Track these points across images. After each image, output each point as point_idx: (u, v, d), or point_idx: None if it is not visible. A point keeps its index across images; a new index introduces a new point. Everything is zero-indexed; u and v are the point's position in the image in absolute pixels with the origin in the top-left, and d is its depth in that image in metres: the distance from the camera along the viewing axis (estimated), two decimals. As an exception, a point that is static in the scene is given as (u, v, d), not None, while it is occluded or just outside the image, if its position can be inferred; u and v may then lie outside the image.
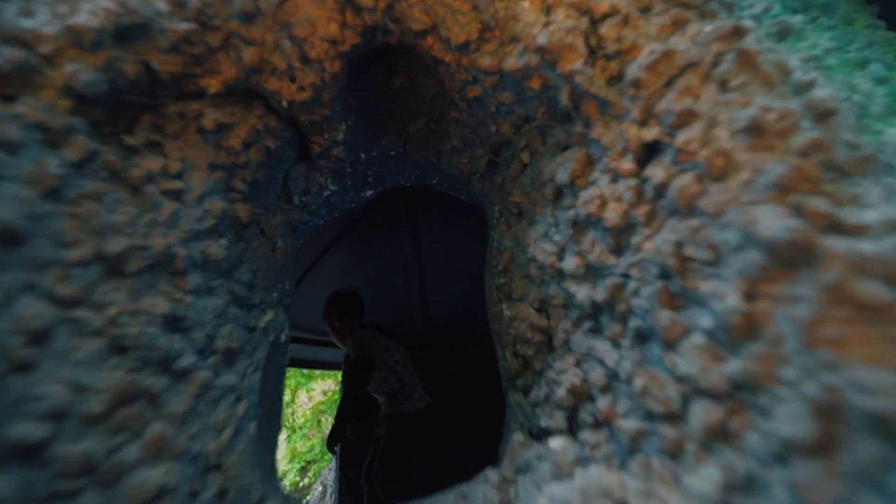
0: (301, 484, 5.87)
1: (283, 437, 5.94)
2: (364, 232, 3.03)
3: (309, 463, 5.78)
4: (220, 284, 0.62)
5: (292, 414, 5.85)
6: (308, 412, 5.85)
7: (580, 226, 0.52)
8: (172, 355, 0.54)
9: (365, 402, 2.23)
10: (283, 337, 0.72)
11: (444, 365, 3.80)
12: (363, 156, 0.82)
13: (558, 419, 0.52)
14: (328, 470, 3.89)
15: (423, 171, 0.89)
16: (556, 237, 0.55)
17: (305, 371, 4.83)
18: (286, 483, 5.67)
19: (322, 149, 0.74)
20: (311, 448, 5.73)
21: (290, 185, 0.78)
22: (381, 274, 3.41)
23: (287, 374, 4.86)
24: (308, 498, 5.00)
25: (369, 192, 0.89)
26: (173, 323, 0.55)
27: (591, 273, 0.50)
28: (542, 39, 0.56)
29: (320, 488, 4.29)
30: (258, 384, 0.63)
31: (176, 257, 0.55)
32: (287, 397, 5.91)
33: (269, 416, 0.68)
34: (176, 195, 0.57)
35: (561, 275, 0.54)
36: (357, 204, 0.89)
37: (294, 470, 5.86)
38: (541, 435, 0.55)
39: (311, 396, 5.96)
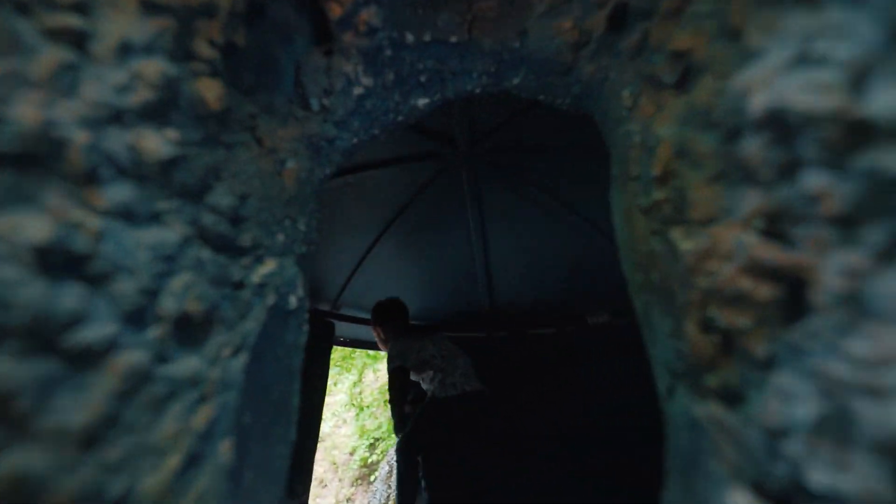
0: (370, 460, 5.90)
1: (352, 414, 5.96)
2: (426, 209, 2.79)
3: (377, 440, 5.76)
4: (177, 208, 0.36)
5: (360, 393, 5.84)
6: (375, 391, 5.81)
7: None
8: (60, 321, 0.29)
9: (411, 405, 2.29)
10: (293, 301, 0.46)
11: (508, 347, 3.51)
12: (410, 37, 0.54)
13: (864, 470, 0.21)
14: (394, 451, 3.76)
15: (500, 64, 0.59)
16: (842, 52, 0.23)
17: (371, 352, 4.72)
18: (356, 458, 5.71)
19: (344, 9, 0.46)
20: (379, 426, 5.69)
21: (306, 81, 0.51)
22: (444, 253, 3.15)
23: (354, 356, 4.82)
24: (376, 474, 4.97)
25: (423, 101, 0.60)
26: (66, 264, 0.30)
27: None
28: None
29: (387, 468, 4.19)
30: (242, 374, 0.38)
31: (69, 148, 0.30)
32: (355, 377, 5.89)
33: (270, 426, 0.42)
34: (72, 39, 0.31)
35: (860, 135, 0.22)
36: (406, 116, 0.60)
37: (363, 446, 5.86)
38: (802, 501, 0.25)
39: (378, 377, 5.91)
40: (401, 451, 2.13)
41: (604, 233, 2.75)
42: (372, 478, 5.27)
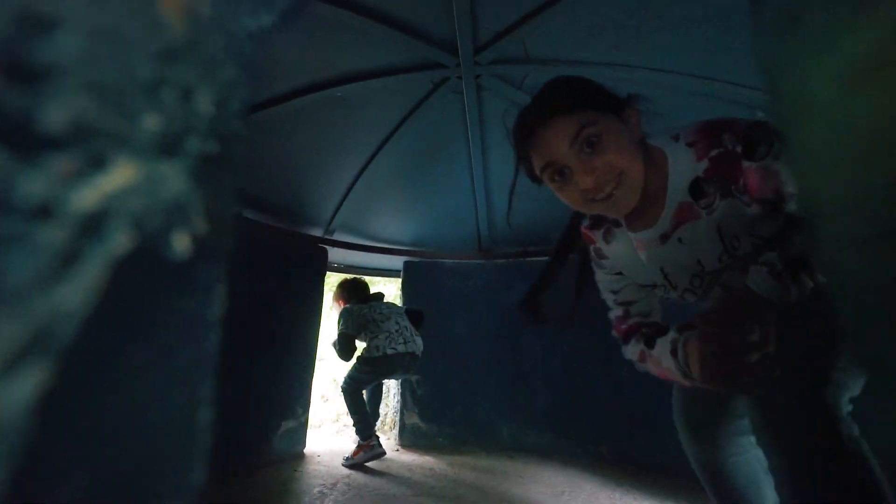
0: (369, 378, 6.02)
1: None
2: (424, 126, 2.48)
3: (375, 360, 5.82)
4: None
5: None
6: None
7: None
8: None
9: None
10: (180, 243, 0.24)
11: (506, 274, 3.37)
12: None
13: None
14: (390, 373, 3.76)
15: None
16: None
17: (366, 277, 4.59)
18: (355, 375, 5.81)
19: None
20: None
21: None
22: (443, 174, 2.89)
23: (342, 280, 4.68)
24: (374, 392, 5.07)
25: None
26: None
27: None
28: None
29: (385, 388, 4.22)
30: (28, 415, 0.17)
31: None
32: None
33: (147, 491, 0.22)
34: None
35: None
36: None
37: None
38: None
39: (374, 301, 5.86)
40: (344, 391, 2.88)
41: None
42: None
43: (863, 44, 0.18)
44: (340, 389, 2.96)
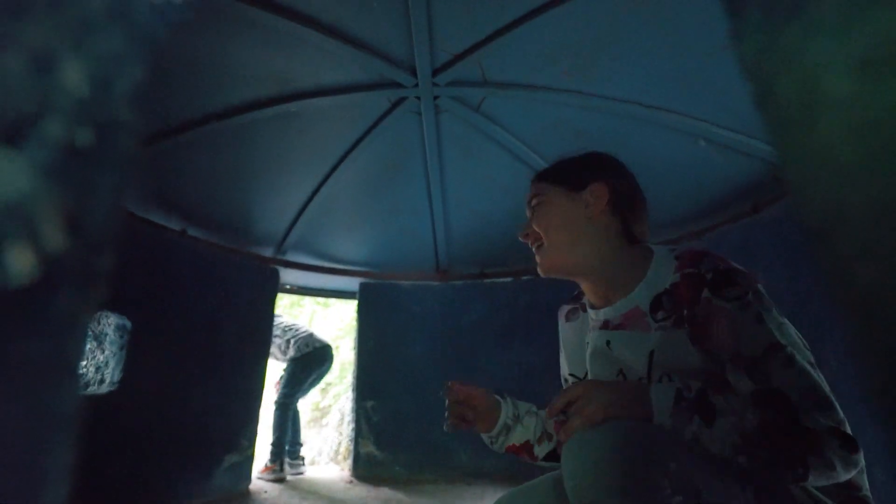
0: (322, 404, 5.80)
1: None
2: (380, 145, 2.43)
3: (328, 384, 5.62)
4: None
5: (312, 339, 5.66)
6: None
7: None
8: None
9: None
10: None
11: (462, 294, 3.33)
12: None
13: None
14: (346, 399, 3.60)
15: None
16: None
17: (321, 299, 4.41)
18: (309, 402, 5.57)
19: None
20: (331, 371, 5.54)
21: None
22: (400, 194, 2.84)
23: (303, 302, 4.59)
24: (327, 419, 4.84)
25: None
26: None
27: None
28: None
29: (339, 415, 4.04)
30: None
31: None
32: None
33: None
34: None
35: None
36: None
37: (315, 391, 5.71)
38: None
39: (328, 323, 5.66)
40: (278, 405, 3.27)
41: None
42: (324, 420, 5.14)
43: (885, 29, 0.15)
44: (274, 403, 3.21)
